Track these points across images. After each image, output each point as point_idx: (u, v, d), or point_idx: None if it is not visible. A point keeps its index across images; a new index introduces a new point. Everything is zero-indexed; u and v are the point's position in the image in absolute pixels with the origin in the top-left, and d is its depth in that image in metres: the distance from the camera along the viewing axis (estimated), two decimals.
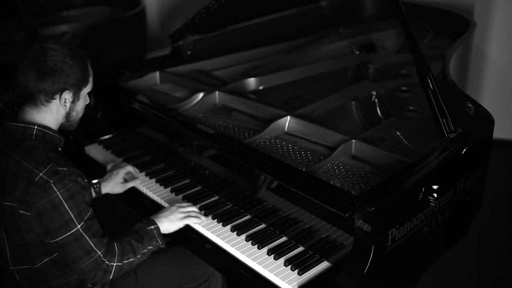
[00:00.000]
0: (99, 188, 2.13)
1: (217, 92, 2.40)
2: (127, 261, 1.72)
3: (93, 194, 2.12)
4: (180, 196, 2.08)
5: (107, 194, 2.17)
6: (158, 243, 1.82)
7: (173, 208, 1.91)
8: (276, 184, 1.82)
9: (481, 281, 2.82)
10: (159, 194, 2.12)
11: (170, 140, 2.27)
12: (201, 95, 2.36)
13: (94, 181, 2.13)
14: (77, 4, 4.14)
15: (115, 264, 1.69)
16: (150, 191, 2.15)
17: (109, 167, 2.24)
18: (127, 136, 2.54)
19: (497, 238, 3.14)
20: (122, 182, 2.16)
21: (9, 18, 3.37)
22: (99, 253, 1.65)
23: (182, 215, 1.89)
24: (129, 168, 2.19)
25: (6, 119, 1.72)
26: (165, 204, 2.07)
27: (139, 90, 2.51)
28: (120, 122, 2.55)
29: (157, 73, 2.66)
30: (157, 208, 2.09)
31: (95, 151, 2.48)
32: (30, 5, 3.64)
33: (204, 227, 1.90)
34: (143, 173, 2.25)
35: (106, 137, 2.56)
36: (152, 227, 1.82)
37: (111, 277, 1.71)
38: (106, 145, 2.51)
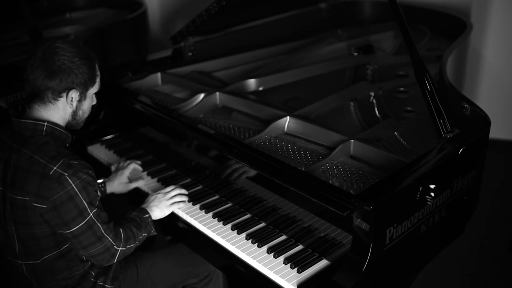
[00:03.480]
0: (104, 187, 2.17)
1: (217, 93, 2.42)
2: (129, 246, 1.79)
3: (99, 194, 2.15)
4: None
5: (112, 195, 2.20)
6: (152, 230, 1.89)
7: (159, 196, 1.98)
8: (276, 184, 1.83)
9: (478, 279, 2.84)
10: None
11: (172, 140, 2.29)
12: (202, 96, 2.39)
13: (99, 180, 2.15)
14: (80, 7, 4.16)
15: (120, 248, 1.76)
16: (152, 190, 2.17)
17: (113, 168, 2.28)
18: (129, 136, 2.56)
19: (493, 237, 3.16)
20: (126, 182, 2.20)
21: (13, 20, 3.40)
22: (109, 238, 1.71)
23: (170, 201, 1.97)
24: (133, 166, 2.23)
25: (14, 116, 1.74)
26: None
27: (141, 91, 2.54)
28: (122, 122, 2.57)
29: (159, 74, 2.68)
30: None
31: (97, 151, 2.50)
32: (34, 8, 3.64)
33: (204, 226, 1.92)
34: (145, 172, 2.27)
35: (109, 137, 2.58)
36: (147, 215, 1.90)
37: (114, 261, 1.77)
38: (109, 145, 2.53)
